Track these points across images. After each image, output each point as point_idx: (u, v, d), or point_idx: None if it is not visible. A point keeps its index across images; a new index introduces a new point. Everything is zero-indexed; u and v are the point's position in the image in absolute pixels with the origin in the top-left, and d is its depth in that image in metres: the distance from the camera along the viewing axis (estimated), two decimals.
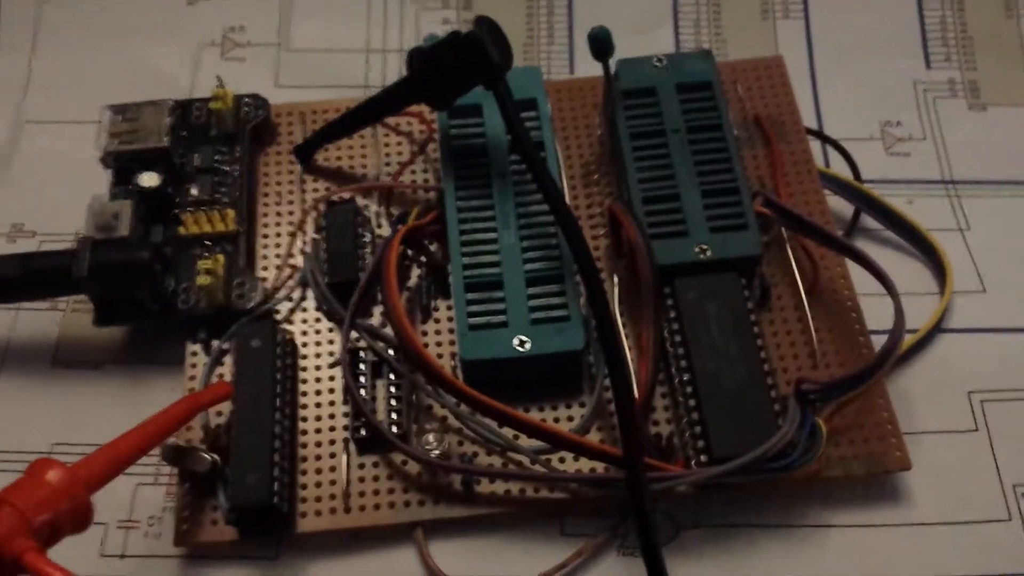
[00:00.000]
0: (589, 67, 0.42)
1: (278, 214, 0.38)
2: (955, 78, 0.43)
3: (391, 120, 0.39)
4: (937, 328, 0.36)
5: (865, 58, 0.44)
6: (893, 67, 0.44)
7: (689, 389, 0.32)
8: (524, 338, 0.33)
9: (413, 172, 0.39)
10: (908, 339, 0.35)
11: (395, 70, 0.44)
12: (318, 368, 0.35)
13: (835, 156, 0.41)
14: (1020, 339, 0.37)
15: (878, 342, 0.34)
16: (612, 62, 0.36)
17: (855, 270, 0.35)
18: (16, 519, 0.25)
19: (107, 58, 0.44)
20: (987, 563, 0.32)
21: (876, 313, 0.35)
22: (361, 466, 0.33)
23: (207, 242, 0.36)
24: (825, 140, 0.41)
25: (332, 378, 0.34)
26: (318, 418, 0.34)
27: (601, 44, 0.35)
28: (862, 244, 0.38)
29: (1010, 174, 0.41)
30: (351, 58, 0.44)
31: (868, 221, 0.39)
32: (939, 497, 0.33)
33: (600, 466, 0.32)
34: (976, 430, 0.34)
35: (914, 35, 0.44)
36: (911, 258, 0.39)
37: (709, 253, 0.34)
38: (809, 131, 0.39)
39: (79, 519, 0.26)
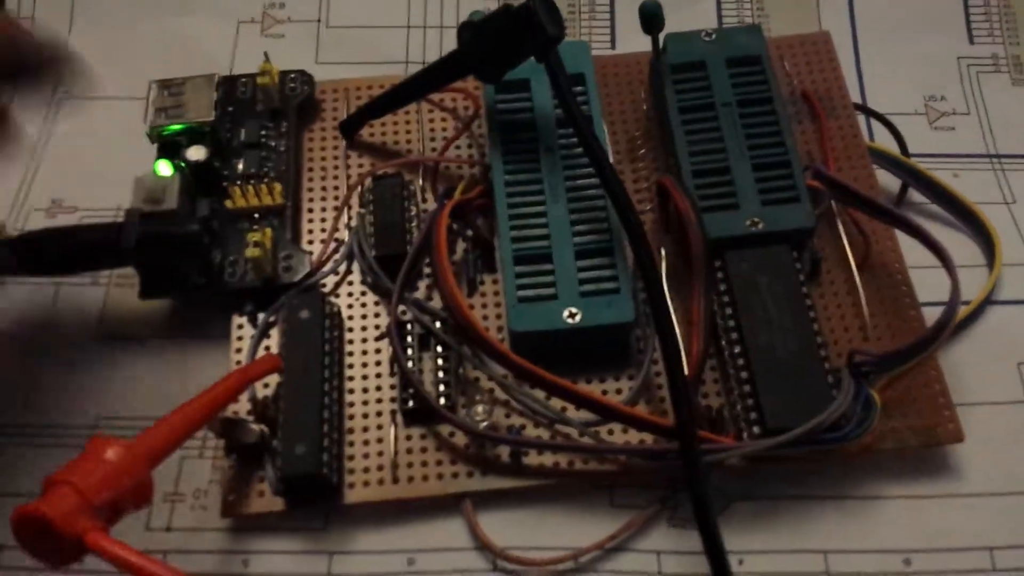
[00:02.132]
0: (631, 42, 0.42)
1: (323, 189, 0.38)
2: (998, 53, 0.43)
3: (435, 96, 0.39)
4: (987, 300, 0.36)
5: (908, 33, 0.44)
6: (936, 42, 0.43)
7: (741, 361, 0.32)
8: (574, 310, 0.32)
9: (458, 147, 0.39)
10: (960, 311, 0.35)
11: (435, 46, 0.43)
12: (364, 341, 0.35)
13: (879, 130, 0.40)
14: None
15: (928, 313, 0.34)
16: (660, 36, 0.36)
17: (904, 242, 0.35)
18: (77, 499, 0.25)
19: (145, 34, 0.44)
20: None
21: (925, 285, 0.35)
22: (408, 437, 0.33)
23: (254, 215, 0.36)
24: (872, 115, 0.40)
25: (379, 351, 0.34)
26: (365, 390, 0.34)
27: (652, 18, 0.35)
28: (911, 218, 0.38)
29: None
30: (391, 34, 0.44)
31: (914, 195, 0.39)
32: (990, 468, 0.33)
33: (649, 438, 0.32)
34: None
35: (957, 10, 0.44)
36: (957, 231, 0.38)
37: (761, 226, 0.33)
38: (855, 106, 0.39)
39: (140, 496, 0.26)
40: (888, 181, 0.39)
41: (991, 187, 0.39)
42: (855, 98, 0.41)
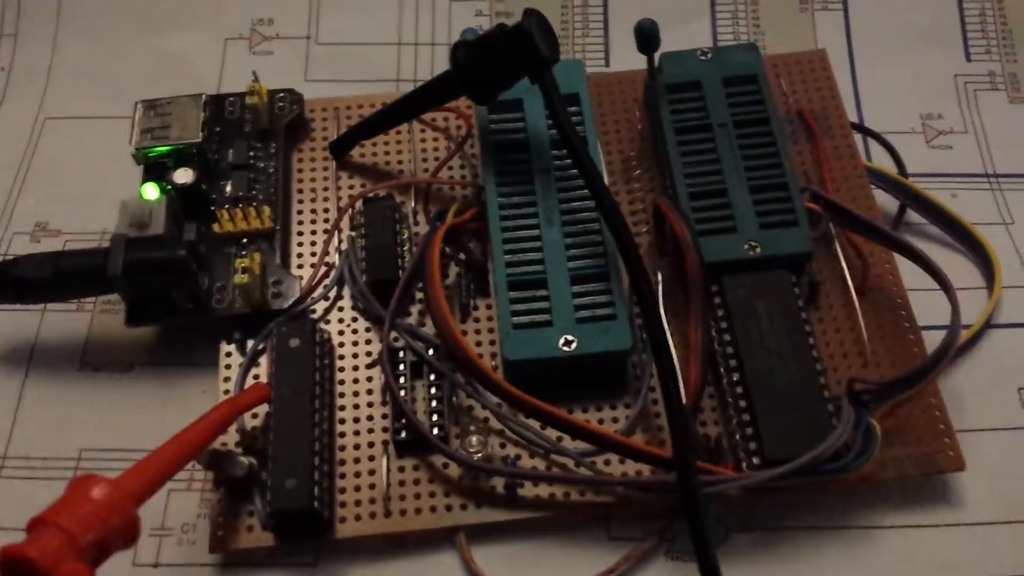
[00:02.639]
0: (624, 60, 0.41)
1: (313, 211, 0.37)
2: (995, 71, 0.43)
3: (427, 116, 0.39)
4: (987, 324, 0.36)
5: (905, 50, 0.43)
6: (933, 59, 0.43)
7: (740, 389, 0.31)
8: (570, 337, 0.32)
9: (450, 168, 0.38)
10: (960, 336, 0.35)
11: (427, 63, 0.43)
12: (355, 368, 0.34)
13: (876, 150, 0.40)
14: None
15: (928, 337, 0.34)
16: (655, 55, 0.35)
17: (903, 265, 0.35)
18: (63, 541, 0.24)
19: (131, 51, 0.43)
20: None
21: (925, 308, 0.34)
22: (401, 469, 0.32)
23: (243, 240, 0.35)
24: (868, 134, 0.40)
25: (370, 379, 0.34)
26: (356, 420, 0.33)
27: (648, 37, 0.34)
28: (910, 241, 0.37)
29: None
30: (382, 51, 0.43)
31: (912, 216, 0.38)
32: (991, 496, 0.32)
33: (646, 469, 0.31)
34: None
35: (954, 27, 0.44)
36: (956, 253, 0.38)
37: (759, 250, 0.33)
38: (852, 125, 0.39)
39: (127, 535, 0.25)
40: (886, 201, 0.38)
41: (989, 207, 0.39)
42: (852, 116, 0.40)
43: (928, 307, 0.34)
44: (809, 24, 0.44)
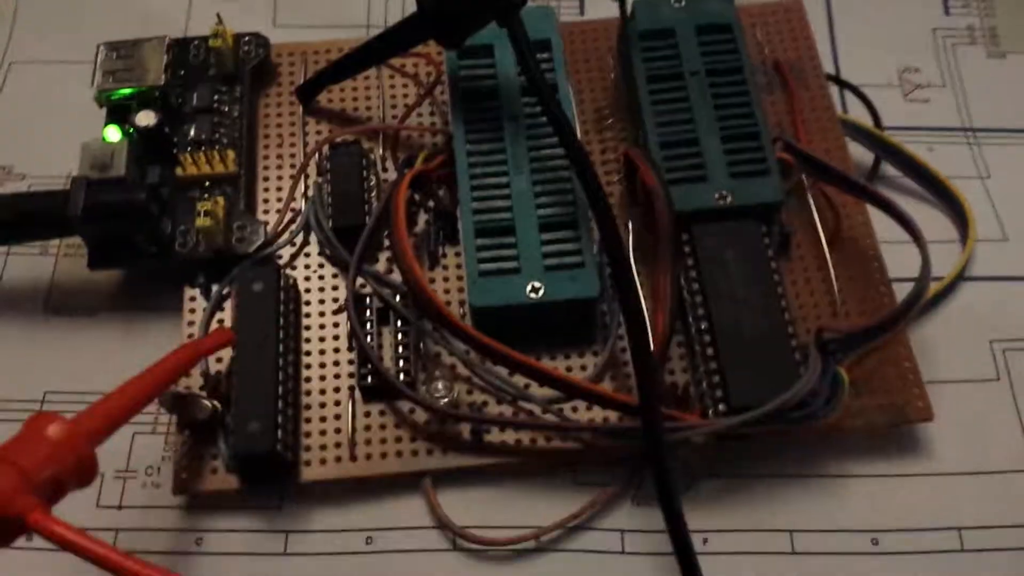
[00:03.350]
0: (601, 8, 0.41)
1: (279, 157, 0.36)
2: (974, 24, 0.42)
3: (396, 61, 0.38)
4: (959, 276, 0.36)
5: (883, 2, 0.43)
6: (911, 12, 0.42)
7: (707, 338, 0.31)
8: (537, 284, 0.31)
9: (419, 115, 0.37)
10: (931, 288, 0.34)
11: (398, 9, 0.42)
12: (322, 315, 0.34)
13: (852, 102, 0.40)
14: None
15: (899, 290, 0.34)
16: (628, 1, 0.35)
17: (876, 217, 0.35)
18: (17, 477, 0.23)
19: None
20: (1008, 514, 0.31)
21: (897, 261, 0.34)
22: (367, 414, 0.32)
23: (206, 184, 0.35)
24: (845, 86, 0.40)
25: (336, 325, 0.33)
26: (322, 365, 0.33)
27: None
28: (881, 191, 0.37)
29: None
30: None
31: (887, 169, 0.38)
32: (960, 447, 0.32)
33: (613, 416, 0.31)
34: (998, 379, 0.34)
35: None
36: (931, 206, 0.38)
37: (730, 199, 0.33)
38: (828, 77, 0.38)
39: (83, 474, 0.25)
40: (861, 154, 0.38)
41: (966, 161, 0.39)
42: (828, 68, 0.40)
43: (901, 260, 0.34)
44: None
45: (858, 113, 0.39)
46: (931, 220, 0.37)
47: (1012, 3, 0.43)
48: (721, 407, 0.30)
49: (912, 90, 0.41)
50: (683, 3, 0.36)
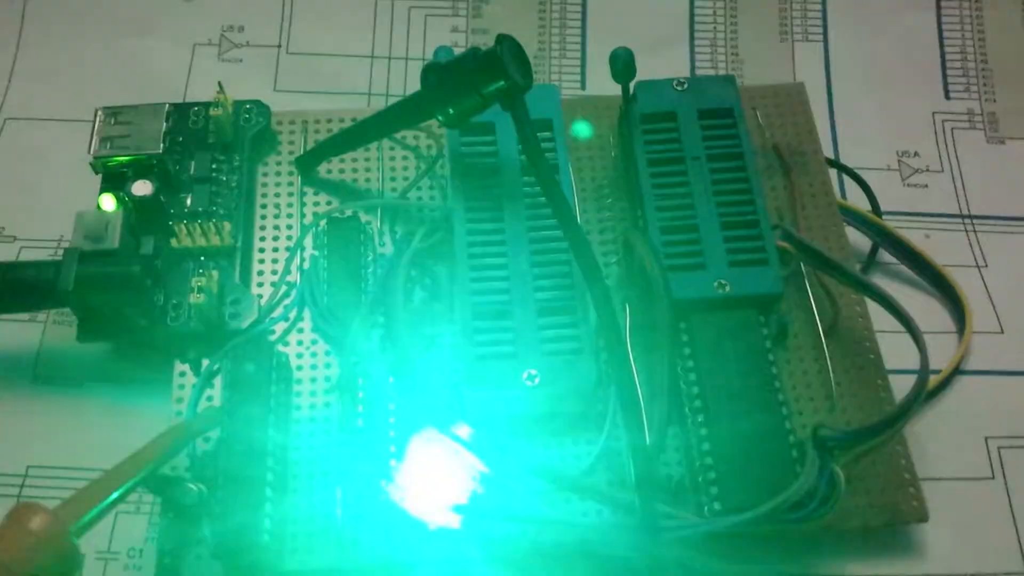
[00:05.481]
0: (601, 83, 0.40)
1: (276, 228, 0.36)
2: (974, 109, 0.42)
3: (397, 134, 0.38)
4: (955, 370, 0.35)
5: (884, 85, 0.43)
6: (912, 95, 0.43)
7: (703, 431, 0.31)
8: (533, 371, 0.31)
9: (419, 189, 0.37)
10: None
11: (400, 77, 0.42)
12: (313, 394, 0.33)
13: (851, 186, 0.39)
14: None
15: (895, 381, 0.33)
16: (630, 83, 0.35)
17: (873, 306, 0.34)
18: None
19: (97, 53, 0.42)
20: None
21: (894, 351, 0.34)
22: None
23: (201, 256, 0.34)
24: (844, 170, 0.40)
25: (328, 404, 0.33)
26: (313, 448, 0.32)
27: (623, 65, 0.33)
28: (878, 278, 0.37)
29: None
30: (354, 63, 0.42)
31: (884, 255, 0.38)
32: (954, 547, 0.32)
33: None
34: (993, 478, 0.34)
35: (934, 63, 0.43)
36: (927, 295, 0.38)
37: (728, 289, 0.32)
38: (828, 161, 0.38)
39: (65, 568, 0.24)
40: (859, 239, 0.38)
41: (963, 249, 0.39)
42: (828, 151, 0.40)
43: (898, 350, 0.34)
44: (788, 55, 0.43)
45: (857, 197, 0.39)
46: (928, 310, 0.37)
47: (1012, 88, 0.43)
48: (716, 505, 0.30)
49: (911, 174, 0.41)
50: (685, 85, 0.36)
